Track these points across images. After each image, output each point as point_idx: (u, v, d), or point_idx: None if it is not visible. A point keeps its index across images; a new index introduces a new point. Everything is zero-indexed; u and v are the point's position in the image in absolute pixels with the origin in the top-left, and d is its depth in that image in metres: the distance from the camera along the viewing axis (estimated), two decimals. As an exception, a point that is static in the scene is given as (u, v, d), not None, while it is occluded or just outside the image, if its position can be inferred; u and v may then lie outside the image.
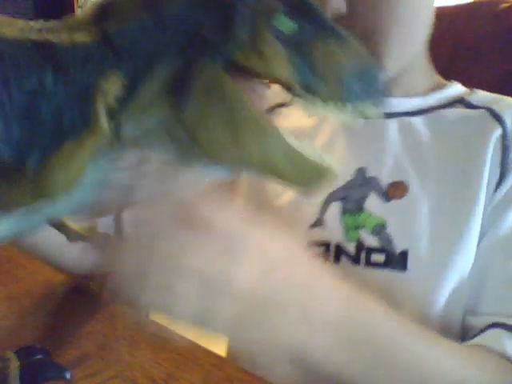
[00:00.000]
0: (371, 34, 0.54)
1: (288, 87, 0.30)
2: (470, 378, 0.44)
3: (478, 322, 0.53)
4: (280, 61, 0.29)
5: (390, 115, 0.62)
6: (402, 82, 0.61)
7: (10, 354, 0.43)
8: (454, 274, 0.55)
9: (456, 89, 0.64)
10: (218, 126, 0.29)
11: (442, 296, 0.55)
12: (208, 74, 0.29)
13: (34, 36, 0.30)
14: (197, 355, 0.47)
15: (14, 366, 0.42)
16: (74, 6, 3.00)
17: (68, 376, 0.43)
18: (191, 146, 0.30)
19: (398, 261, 0.56)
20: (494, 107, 0.59)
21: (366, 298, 0.41)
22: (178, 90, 0.29)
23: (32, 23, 0.31)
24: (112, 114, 0.29)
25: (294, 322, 0.36)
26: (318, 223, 0.60)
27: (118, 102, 0.29)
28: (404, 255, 0.56)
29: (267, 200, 0.64)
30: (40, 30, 0.30)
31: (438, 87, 0.64)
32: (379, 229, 0.57)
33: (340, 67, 0.30)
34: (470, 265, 0.55)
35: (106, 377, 0.44)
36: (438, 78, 0.66)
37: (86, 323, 0.53)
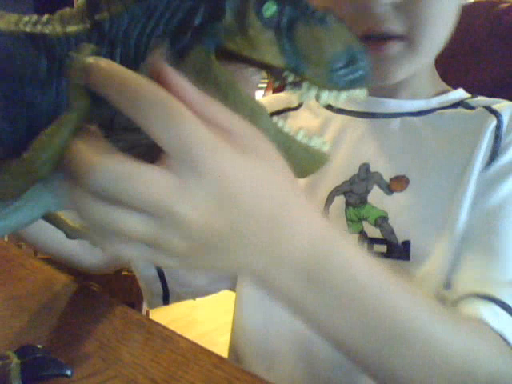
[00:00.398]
0: (417, 24, 0.55)
1: (275, 71, 0.31)
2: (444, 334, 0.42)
3: (451, 295, 0.53)
4: (268, 45, 0.30)
5: (393, 115, 0.64)
6: (410, 85, 0.63)
7: (10, 353, 0.43)
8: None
9: (458, 94, 0.66)
10: None
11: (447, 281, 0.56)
12: (197, 57, 0.30)
13: (28, 29, 0.30)
14: (197, 355, 0.47)
15: (15, 363, 0.42)
16: (73, 6, 3.00)
17: (69, 373, 0.43)
18: None
19: (400, 251, 0.57)
20: (492, 105, 0.61)
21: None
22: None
23: (26, 17, 0.31)
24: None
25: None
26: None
27: None
28: (406, 245, 0.57)
29: None
30: (34, 24, 0.31)
31: (441, 92, 0.66)
32: (381, 220, 0.59)
33: (325, 49, 0.31)
34: None
35: (106, 377, 0.44)
36: (443, 84, 0.68)
37: (86, 323, 0.53)
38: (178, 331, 0.52)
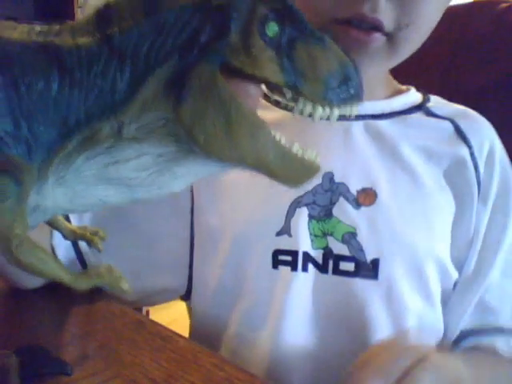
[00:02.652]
0: (406, 25, 0.54)
1: (275, 88, 0.33)
2: None
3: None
4: (269, 63, 0.32)
5: (355, 117, 0.61)
6: (369, 83, 0.61)
7: (8, 352, 0.43)
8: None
9: (414, 95, 0.65)
10: (212, 123, 0.31)
11: (417, 301, 0.56)
12: (203, 73, 0.31)
13: (39, 39, 0.31)
14: (197, 355, 0.47)
15: (14, 360, 0.42)
16: (73, 6, 3.00)
17: (69, 371, 0.43)
18: (188, 141, 0.32)
19: (368, 269, 0.55)
20: (460, 123, 0.61)
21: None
22: (176, 89, 0.31)
23: (36, 27, 0.32)
24: (115, 114, 0.31)
25: None
26: (284, 231, 0.58)
27: (121, 103, 0.31)
28: (375, 263, 0.55)
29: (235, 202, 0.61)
30: (44, 33, 0.32)
31: (397, 92, 0.65)
32: (349, 237, 0.56)
33: (322, 68, 0.33)
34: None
35: (105, 377, 0.44)
36: (394, 83, 0.66)
37: (86, 323, 0.53)
38: (178, 331, 0.52)
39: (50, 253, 0.34)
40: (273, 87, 0.34)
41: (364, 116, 0.61)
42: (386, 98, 0.63)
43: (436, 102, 0.65)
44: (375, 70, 0.58)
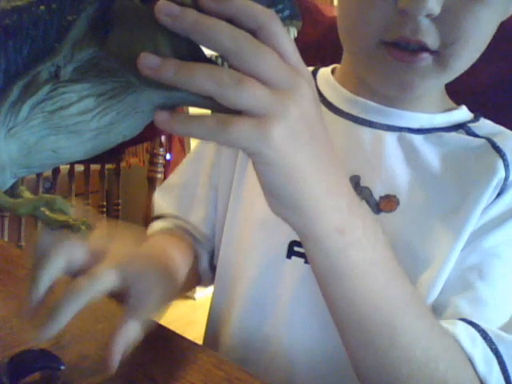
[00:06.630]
0: (452, 43, 0.54)
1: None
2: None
3: None
4: None
5: (391, 128, 0.62)
6: (419, 97, 0.61)
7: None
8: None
9: (462, 114, 0.64)
10: (140, 48, 0.33)
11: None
12: (123, 3, 0.33)
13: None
14: (197, 355, 0.47)
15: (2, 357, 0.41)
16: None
17: (61, 366, 0.42)
18: (122, 72, 0.34)
19: None
20: (495, 139, 0.60)
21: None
22: (102, 25, 0.34)
23: None
24: (49, 58, 0.34)
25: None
26: None
27: (53, 48, 0.34)
28: None
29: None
30: None
31: (446, 110, 0.64)
32: None
33: None
34: None
35: (106, 377, 0.44)
36: (449, 101, 0.66)
37: (86, 323, 0.53)
38: (178, 331, 0.52)
39: None
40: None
41: (401, 128, 0.62)
42: (432, 113, 0.63)
43: (482, 123, 0.64)
44: (427, 86, 0.58)
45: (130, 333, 0.43)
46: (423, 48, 0.54)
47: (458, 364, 0.48)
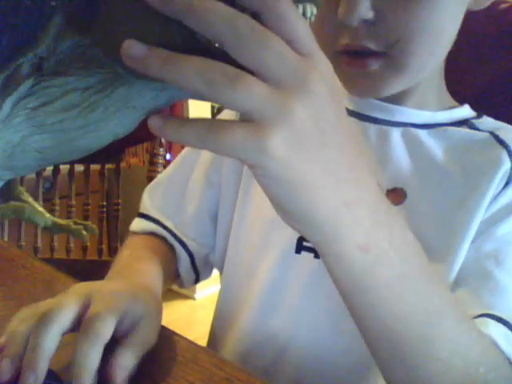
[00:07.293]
0: (395, 42, 0.53)
1: None
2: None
3: None
4: None
5: (396, 124, 0.62)
6: (414, 94, 0.62)
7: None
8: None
9: (465, 111, 0.65)
10: (125, 34, 0.30)
11: None
12: None
13: None
14: (197, 355, 0.47)
15: None
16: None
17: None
18: (109, 62, 0.31)
19: None
20: (498, 133, 0.60)
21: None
22: (85, 13, 0.31)
23: None
24: (31, 49, 0.31)
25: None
26: None
27: (35, 38, 0.31)
28: None
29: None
30: None
31: (448, 108, 0.65)
32: None
33: None
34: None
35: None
36: (450, 99, 0.67)
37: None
38: (178, 331, 0.51)
39: None
40: None
41: (406, 123, 0.62)
42: (434, 110, 0.63)
43: (485, 119, 0.64)
44: (389, 87, 0.57)
45: (127, 362, 0.41)
46: (369, 52, 0.54)
47: (497, 365, 0.47)
